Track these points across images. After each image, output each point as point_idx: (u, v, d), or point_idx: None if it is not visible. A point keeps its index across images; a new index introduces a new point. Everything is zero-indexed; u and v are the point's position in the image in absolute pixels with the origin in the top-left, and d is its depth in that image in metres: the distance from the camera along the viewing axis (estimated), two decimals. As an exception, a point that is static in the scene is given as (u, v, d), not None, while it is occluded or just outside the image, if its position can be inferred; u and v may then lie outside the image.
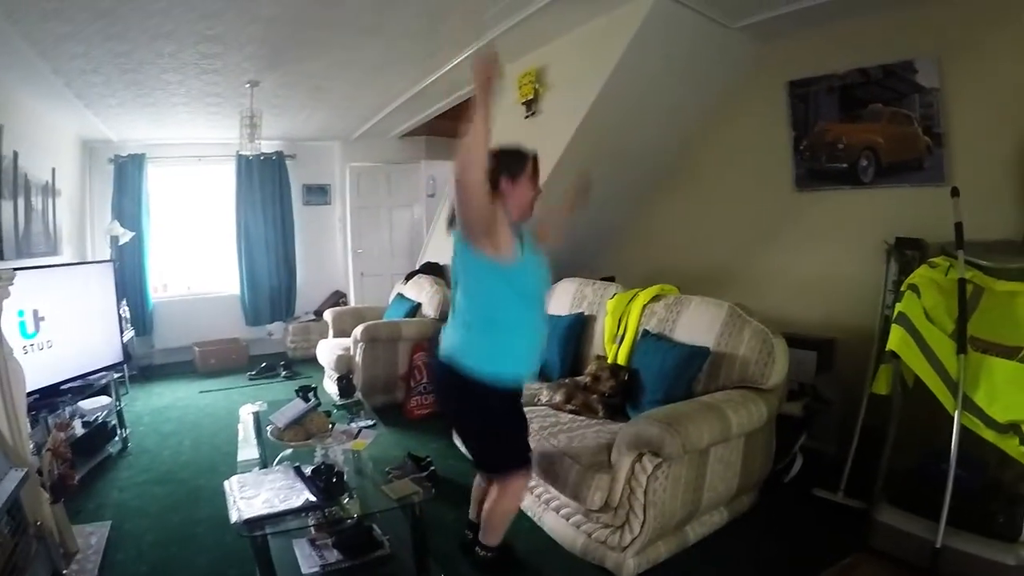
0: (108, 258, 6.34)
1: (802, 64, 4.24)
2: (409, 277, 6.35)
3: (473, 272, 2.42)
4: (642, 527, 2.60)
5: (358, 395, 4.09)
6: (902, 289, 2.93)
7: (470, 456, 2.86)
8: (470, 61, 2.50)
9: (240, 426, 3.72)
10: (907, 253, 3.54)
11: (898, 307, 2.84)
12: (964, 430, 2.58)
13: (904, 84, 3.74)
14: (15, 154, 4.74)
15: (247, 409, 3.81)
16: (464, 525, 3.00)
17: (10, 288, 2.77)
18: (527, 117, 4.87)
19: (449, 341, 2.49)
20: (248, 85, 5.09)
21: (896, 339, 2.74)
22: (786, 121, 4.35)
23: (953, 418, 2.60)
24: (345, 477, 2.67)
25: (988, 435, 2.56)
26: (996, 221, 3.27)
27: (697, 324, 3.41)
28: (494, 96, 2.09)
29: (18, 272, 2.90)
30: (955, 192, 3.02)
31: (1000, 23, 3.36)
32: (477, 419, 2.56)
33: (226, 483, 2.70)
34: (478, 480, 2.93)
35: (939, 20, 3.59)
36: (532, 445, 2.92)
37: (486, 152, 2.10)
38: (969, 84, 3.51)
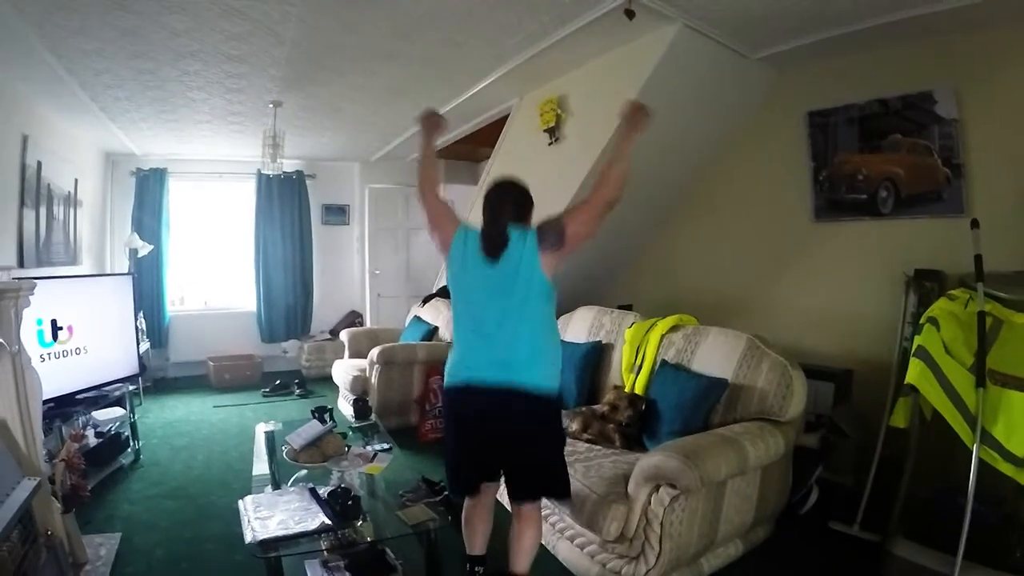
0: (126, 270, 6.41)
1: (822, 95, 4.25)
2: (426, 300, 6.37)
3: (542, 291, 2.44)
4: (658, 559, 2.57)
5: (373, 417, 4.09)
6: (921, 322, 2.89)
7: (526, 485, 2.58)
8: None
9: (256, 442, 3.71)
10: (926, 285, 3.52)
11: (917, 340, 2.81)
12: (982, 464, 2.55)
13: (923, 115, 3.74)
14: (39, 164, 4.83)
15: (262, 428, 3.81)
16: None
17: (30, 298, 2.80)
18: (550, 144, 4.90)
19: (517, 367, 2.41)
20: (271, 105, 5.16)
21: (915, 373, 2.71)
22: (805, 152, 4.36)
23: (971, 452, 2.57)
24: (360, 500, 2.66)
25: (1006, 469, 2.53)
26: (1016, 253, 3.23)
27: (715, 355, 3.40)
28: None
29: (38, 282, 2.93)
30: (975, 224, 3.00)
31: (1018, 54, 3.38)
32: (556, 440, 2.57)
33: (240, 503, 2.70)
34: (470, 512, 2.69)
35: (958, 51, 3.60)
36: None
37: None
38: (988, 115, 3.51)
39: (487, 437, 2.49)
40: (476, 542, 2.69)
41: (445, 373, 2.55)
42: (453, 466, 2.64)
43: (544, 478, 2.57)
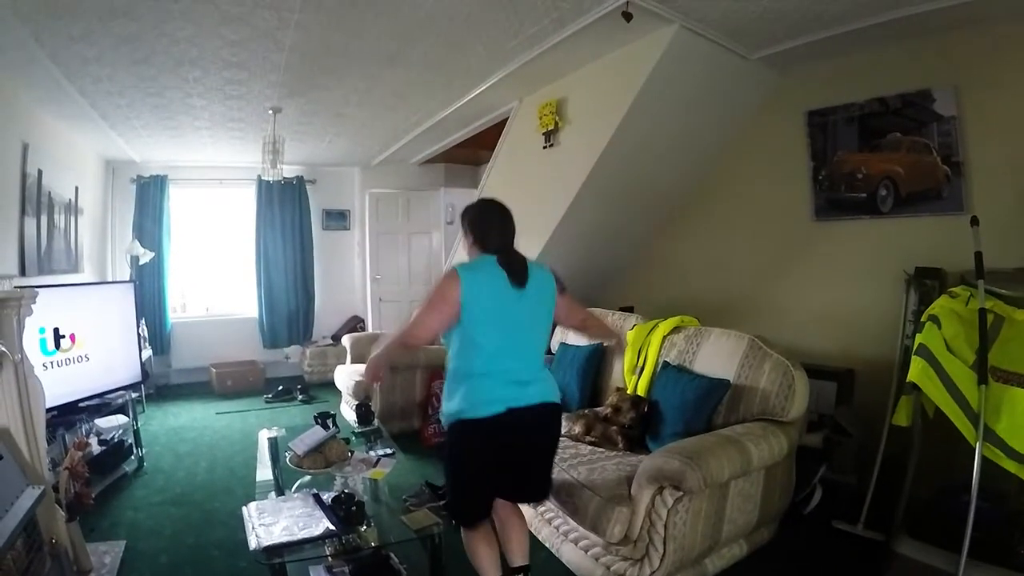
0: (128, 277, 6.42)
1: (820, 94, 4.26)
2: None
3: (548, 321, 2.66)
4: (662, 560, 2.57)
5: (376, 422, 4.09)
6: (922, 320, 2.89)
7: (543, 487, 2.74)
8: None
9: (259, 449, 3.72)
10: (927, 283, 3.52)
11: (918, 338, 2.80)
12: (985, 461, 2.54)
13: (922, 113, 3.75)
14: (39, 172, 4.82)
15: (265, 434, 3.81)
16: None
17: (32, 306, 2.80)
18: (545, 148, 4.90)
19: (544, 384, 2.57)
20: (271, 111, 5.17)
21: (917, 371, 2.71)
22: (805, 151, 4.36)
23: (974, 449, 2.57)
24: (364, 505, 2.67)
25: (1010, 466, 2.52)
26: (1016, 250, 3.23)
27: (717, 356, 3.40)
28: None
29: (40, 291, 2.94)
30: (975, 221, 3.00)
31: (1017, 50, 3.38)
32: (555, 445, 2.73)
33: (244, 509, 2.71)
34: (478, 539, 2.61)
35: (956, 49, 3.61)
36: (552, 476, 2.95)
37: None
38: (987, 112, 3.52)
39: (528, 454, 2.60)
40: (492, 568, 2.62)
41: (464, 407, 2.44)
42: (475, 493, 2.57)
43: (551, 478, 2.75)
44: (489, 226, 2.56)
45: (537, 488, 2.72)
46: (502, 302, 2.44)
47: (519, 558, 2.64)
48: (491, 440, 2.46)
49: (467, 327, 2.41)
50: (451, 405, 2.48)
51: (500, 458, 2.51)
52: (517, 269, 2.48)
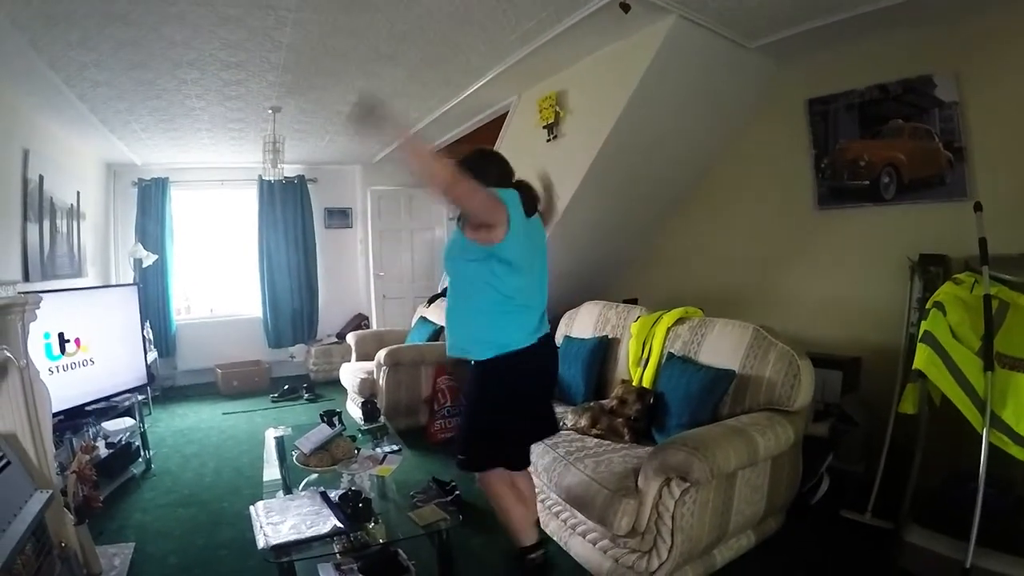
0: (132, 280, 6.45)
1: (821, 82, 4.23)
2: (432, 300, 6.37)
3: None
4: (670, 552, 2.57)
5: (382, 419, 4.10)
6: (927, 307, 2.88)
7: (552, 421, 2.95)
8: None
9: (266, 448, 3.73)
10: (931, 270, 3.51)
11: (923, 325, 2.80)
12: (992, 448, 2.54)
13: (923, 99, 3.73)
14: (40, 178, 4.84)
15: (271, 433, 3.82)
16: (492, 550, 2.95)
17: (36, 312, 2.81)
18: (548, 141, 4.89)
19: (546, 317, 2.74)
20: (270, 111, 5.17)
21: (922, 358, 2.70)
22: (806, 140, 4.34)
23: (981, 436, 2.56)
24: (371, 502, 2.67)
25: (1017, 452, 2.52)
26: (1020, 235, 3.20)
27: (722, 347, 3.39)
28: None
29: (44, 295, 2.95)
30: (978, 207, 2.97)
31: (1017, 34, 3.36)
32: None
33: (252, 508, 2.71)
34: (512, 495, 2.76)
35: (956, 34, 3.58)
36: (558, 469, 3.04)
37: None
38: (989, 97, 3.49)
39: (553, 383, 2.86)
40: (527, 526, 2.78)
41: (515, 337, 2.53)
42: (529, 428, 2.75)
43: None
44: (501, 164, 2.70)
45: (553, 421, 2.93)
46: (532, 237, 2.56)
47: (535, 535, 2.79)
48: (537, 368, 2.63)
49: (511, 257, 2.47)
50: (496, 337, 2.53)
51: (540, 385, 2.72)
52: (531, 197, 2.62)
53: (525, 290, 2.56)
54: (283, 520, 2.56)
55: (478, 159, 2.66)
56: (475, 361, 2.61)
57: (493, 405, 2.62)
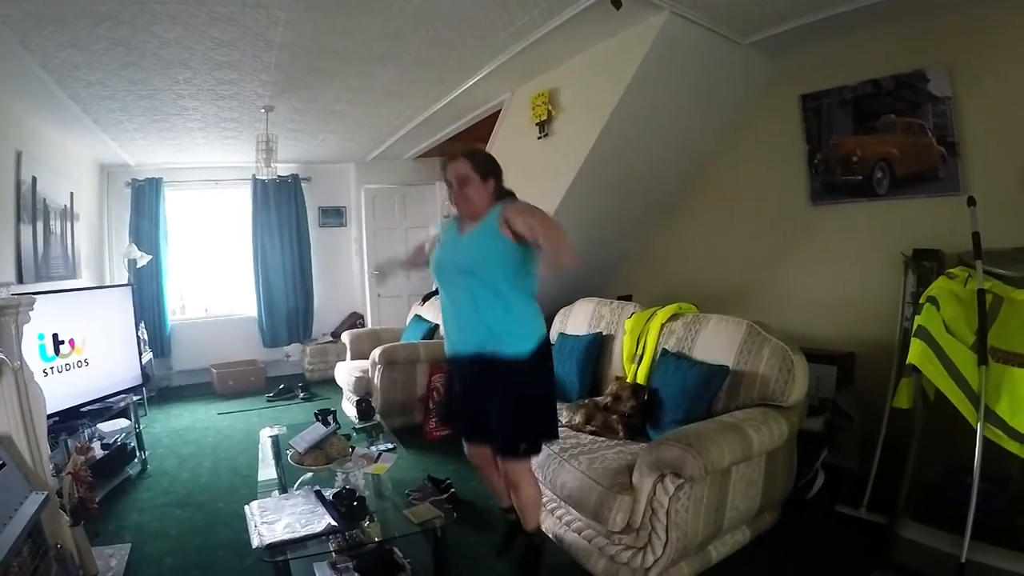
0: (126, 281, 6.42)
1: (814, 77, 4.25)
2: (427, 298, 6.36)
3: None
4: (664, 548, 2.57)
5: (377, 418, 4.10)
6: (921, 301, 2.88)
7: None
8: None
9: (261, 447, 3.73)
10: (925, 264, 3.52)
11: (917, 320, 2.80)
12: (987, 442, 2.54)
13: (916, 94, 3.74)
14: (34, 179, 4.83)
15: (266, 433, 3.82)
16: (487, 547, 2.99)
17: (30, 313, 2.81)
18: (540, 138, 4.89)
19: None
20: (263, 110, 5.16)
21: (916, 353, 2.71)
22: (800, 135, 4.35)
23: (976, 431, 2.57)
24: (366, 500, 2.67)
25: (1012, 447, 2.52)
26: (1014, 229, 3.22)
27: (716, 342, 3.39)
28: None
29: (38, 297, 2.93)
30: (971, 201, 2.98)
31: (1010, 29, 3.37)
32: None
33: (247, 508, 2.71)
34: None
35: (948, 28, 3.60)
36: (553, 466, 3.04)
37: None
38: (982, 92, 3.50)
39: None
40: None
41: (543, 326, 2.68)
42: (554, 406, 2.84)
43: None
44: (499, 164, 2.88)
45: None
46: None
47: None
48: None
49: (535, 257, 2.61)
50: (536, 326, 2.66)
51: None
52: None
53: None
54: (278, 519, 2.56)
55: (496, 162, 2.90)
56: (513, 353, 2.59)
57: (547, 388, 2.73)
